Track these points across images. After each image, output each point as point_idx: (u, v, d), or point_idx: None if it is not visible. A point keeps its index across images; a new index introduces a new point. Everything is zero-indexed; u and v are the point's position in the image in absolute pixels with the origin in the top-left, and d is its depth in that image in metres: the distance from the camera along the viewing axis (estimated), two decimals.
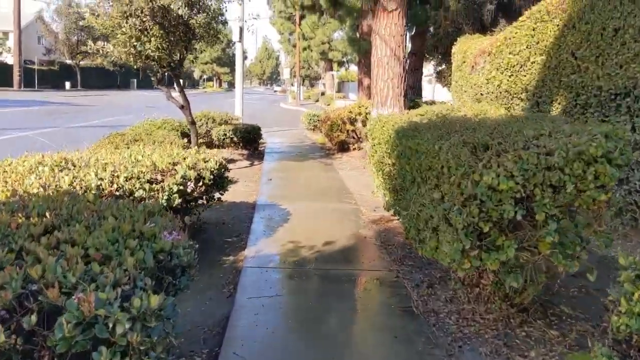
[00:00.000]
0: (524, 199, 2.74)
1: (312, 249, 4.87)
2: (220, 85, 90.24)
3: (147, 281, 2.06)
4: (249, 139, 10.97)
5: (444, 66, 14.69)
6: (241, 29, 15.39)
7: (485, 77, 8.37)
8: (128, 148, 6.41)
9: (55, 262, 2.01)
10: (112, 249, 2.23)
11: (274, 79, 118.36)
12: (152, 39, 7.11)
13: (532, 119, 3.75)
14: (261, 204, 6.73)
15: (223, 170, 5.08)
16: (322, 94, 45.87)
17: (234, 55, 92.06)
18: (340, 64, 53.01)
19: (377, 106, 10.80)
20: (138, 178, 4.00)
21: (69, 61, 52.78)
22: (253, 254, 4.69)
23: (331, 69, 49.39)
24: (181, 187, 4.19)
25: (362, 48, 15.66)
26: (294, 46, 45.97)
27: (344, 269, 4.38)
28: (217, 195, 5.20)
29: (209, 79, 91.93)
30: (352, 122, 11.68)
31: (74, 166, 4.21)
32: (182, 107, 8.29)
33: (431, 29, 14.93)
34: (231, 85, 68.29)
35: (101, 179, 3.77)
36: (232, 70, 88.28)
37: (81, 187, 3.51)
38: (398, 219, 5.30)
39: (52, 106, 24.19)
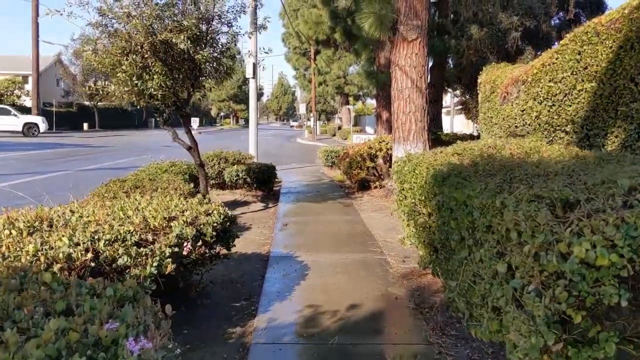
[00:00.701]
0: (630, 276, 1.98)
1: (334, 315, 4.11)
2: (237, 122, 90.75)
3: None
4: (263, 180, 10.32)
5: (467, 97, 13.98)
6: (254, 65, 14.96)
7: (519, 108, 7.65)
8: (128, 197, 5.80)
9: None
10: None
11: (290, 115, 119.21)
12: (155, 76, 6.54)
13: (606, 159, 3.00)
14: (275, 256, 6.00)
15: (228, 223, 4.38)
16: (339, 128, 45.50)
17: None
18: (357, 97, 52.91)
19: (398, 141, 10.12)
20: (123, 241, 3.31)
21: (87, 102, 53.32)
22: (264, 325, 3.94)
23: (347, 103, 49.22)
24: (176, 249, 3.49)
25: (379, 81, 15.10)
26: (310, 81, 45.91)
27: (374, 343, 3.61)
28: (223, 250, 4.49)
29: (226, 116, 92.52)
30: (372, 158, 10.99)
31: (51, 226, 3.55)
32: (189, 149, 7.68)
33: (450, 60, 14.31)
34: (248, 121, 68.41)
35: (77, 244, 3.09)
36: (249, 107, 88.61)
37: (47, 259, 2.83)
38: (432, 274, 4.53)
39: (67, 148, 23.96)
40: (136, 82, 6.49)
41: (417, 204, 4.09)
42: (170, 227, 3.66)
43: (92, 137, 35.21)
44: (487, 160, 3.48)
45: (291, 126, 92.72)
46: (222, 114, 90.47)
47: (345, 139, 40.95)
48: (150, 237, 3.51)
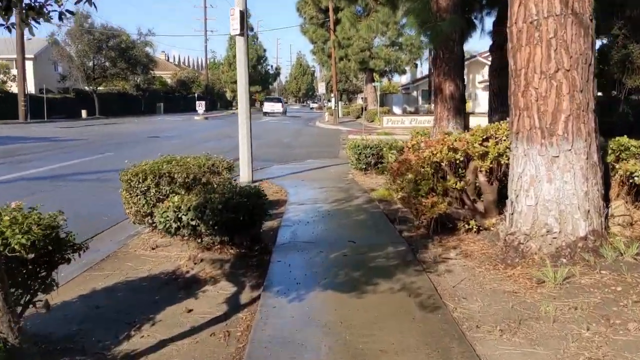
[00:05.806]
0: None
1: None
2: (253, 104, 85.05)
3: None
4: (236, 224, 4.86)
5: (631, 47, 8.17)
6: (242, 15, 9.51)
7: None
8: None
9: None
10: None
11: (309, 96, 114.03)
12: None
13: None
14: None
15: None
16: (364, 109, 39.74)
17: (266, 72, 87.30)
18: (382, 74, 46.70)
19: (530, 138, 4.51)
20: None
21: (86, 87, 48.39)
22: None
23: (372, 80, 43.20)
24: None
25: (439, 33, 9.49)
26: (329, 56, 40.02)
27: None
28: None
29: None
30: (458, 170, 5.50)
31: None
32: None
33: None
34: (265, 103, 62.54)
35: None
36: (265, 88, 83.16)
37: None
38: None
39: (20, 144, 18.79)
40: None
41: None
42: None
43: (77, 127, 30.11)
44: None
45: (311, 108, 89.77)
46: (237, 96, 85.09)
47: (372, 121, 35.23)
48: None
